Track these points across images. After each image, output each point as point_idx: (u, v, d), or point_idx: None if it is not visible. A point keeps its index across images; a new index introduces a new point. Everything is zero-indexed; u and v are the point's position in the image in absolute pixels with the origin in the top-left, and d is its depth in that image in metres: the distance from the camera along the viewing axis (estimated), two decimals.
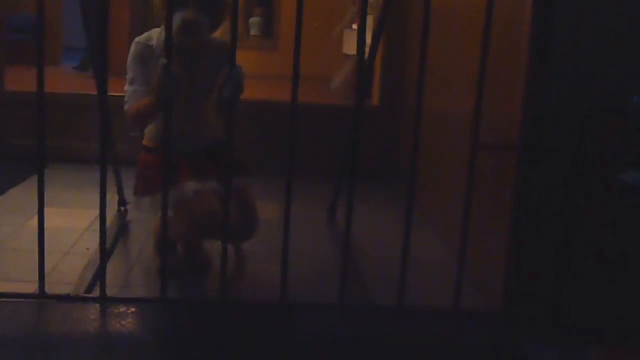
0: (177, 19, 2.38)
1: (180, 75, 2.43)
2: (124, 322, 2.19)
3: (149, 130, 2.62)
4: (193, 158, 2.59)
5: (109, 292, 2.35)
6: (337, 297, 2.35)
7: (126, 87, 2.54)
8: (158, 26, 2.54)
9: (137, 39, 2.54)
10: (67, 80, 6.18)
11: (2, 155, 4.25)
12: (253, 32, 9.43)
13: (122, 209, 3.37)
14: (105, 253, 2.34)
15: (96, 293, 2.35)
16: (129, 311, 2.27)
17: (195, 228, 2.45)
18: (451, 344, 2.24)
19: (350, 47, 6.39)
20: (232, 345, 2.15)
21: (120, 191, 3.36)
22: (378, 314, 2.40)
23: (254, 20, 9.44)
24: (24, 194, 3.64)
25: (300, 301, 2.41)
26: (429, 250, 3.12)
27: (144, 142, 2.66)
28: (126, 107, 2.52)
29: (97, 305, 2.30)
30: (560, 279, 2.29)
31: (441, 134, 3.35)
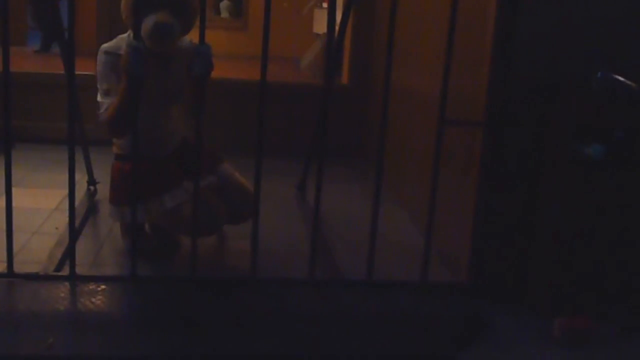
0: (149, 22, 2.37)
1: (150, 79, 2.43)
2: (93, 300, 2.19)
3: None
4: (167, 162, 2.63)
5: (78, 271, 2.35)
6: (307, 272, 2.37)
7: (100, 99, 2.50)
8: (124, 31, 2.52)
9: (105, 48, 2.50)
10: (33, 60, 6.09)
11: None
12: (223, 14, 9.37)
13: (92, 187, 3.35)
14: (74, 231, 2.33)
15: (65, 271, 2.35)
16: (98, 289, 2.27)
17: (202, 228, 2.48)
18: (419, 315, 2.28)
19: (320, 25, 6.39)
20: (202, 321, 2.16)
21: (89, 170, 3.34)
22: (347, 288, 2.44)
23: (224, 3, 9.38)
24: None
25: (270, 277, 2.44)
26: (398, 226, 3.16)
27: (115, 151, 2.67)
28: (101, 117, 2.48)
29: (67, 284, 2.29)
30: (523, 253, 2.34)
31: (409, 111, 3.38)
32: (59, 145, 3.27)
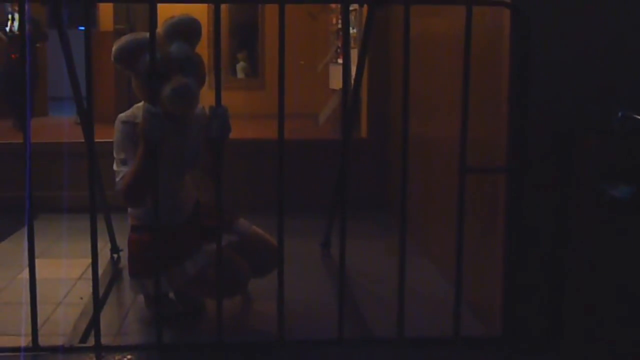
0: (166, 88, 2.37)
1: (168, 145, 2.44)
2: None
3: (134, 209, 2.61)
4: (184, 228, 2.62)
5: (104, 341, 2.31)
6: (336, 332, 2.31)
7: (117, 168, 2.50)
8: (139, 100, 2.54)
9: (122, 118, 2.52)
10: (54, 130, 6.19)
11: None
12: (239, 75, 9.51)
13: (115, 255, 3.33)
14: (98, 301, 2.31)
15: (91, 342, 2.32)
16: (124, 358, 2.23)
17: (228, 288, 2.48)
18: None
19: (336, 81, 6.43)
20: None
21: (111, 238, 3.33)
22: (378, 346, 2.37)
23: (240, 65, 9.53)
24: (13, 247, 3.61)
25: (298, 338, 2.38)
26: (425, 278, 3.09)
27: (131, 222, 2.66)
28: (118, 186, 2.47)
29: (92, 355, 2.26)
30: (556, 301, 2.27)
31: (430, 161, 3.36)
32: (81, 214, 3.29)
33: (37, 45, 6.67)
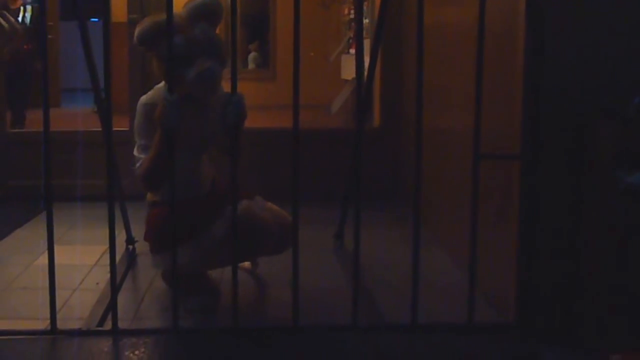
0: (191, 72, 2.38)
1: (188, 126, 2.45)
2: (137, 353, 2.18)
3: None
4: (204, 199, 2.62)
5: (121, 325, 2.34)
6: (350, 318, 2.33)
7: (137, 153, 2.51)
8: (159, 82, 2.55)
9: (143, 100, 2.52)
10: (68, 120, 6.23)
11: (5, 197, 4.27)
12: (250, 66, 9.55)
13: (130, 247, 3.35)
14: (115, 284, 2.33)
15: (108, 326, 2.35)
16: (141, 342, 2.25)
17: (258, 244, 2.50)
18: (468, 358, 2.22)
19: (347, 71, 6.45)
20: None
21: (127, 229, 3.34)
22: (392, 332, 2.39)
23: (251, 55, 9.57)
24: (30, 233, 3.65)
25: (313, 324, 2.40)
26: (438, 266, 3.10)
27: (150, 199, 2.66)
28: (137, 172, 2.49)
29: (110, 338, 2.29)
30: (571, 288, 2.28)
31: (443, 150, 3.36)
32: (95, 203, 3.32)
33: (50, 36, 6.71)
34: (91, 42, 2.91)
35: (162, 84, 2.50)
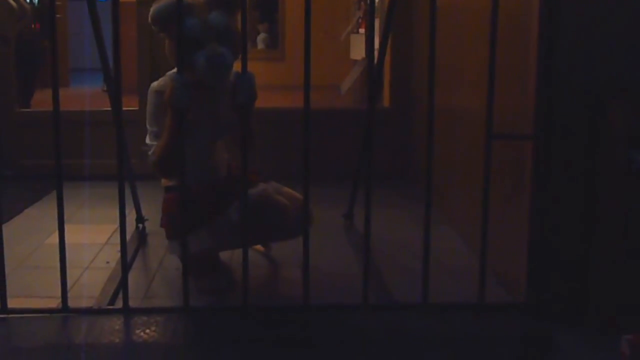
0: (200, 57, 2.34)
1: (201, 112, 2.43)
2: (148, 331, 2.19)
3: None
4: (220, 184, 2.60)
5: (131, 304, 2.35)
6: (360, 297, 2.33)
7: (149, 141, 2.50)
8: (171, 67, 2.52)
9: (155, 87, 2.48)
10: (77, 100, 6.24)
11: (15, 176, 4.28)
12: (260, 46, 9.53)
13: (140, 225, 3.34)
14: (126, 263, 2.34)
15: (119, 305, 2.36)
16: (152, 320, 2.26)
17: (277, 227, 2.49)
18: (479, 337, 2.22)
19: (357, 51, 6.40)
20: (258, 350, 2.14)
21: (137, 208, 3.33)
22: (402, 312, 2.39)
23: (260, 36, 9.55)
24: (40, 212, 3.66)
25: (324, 303, 2.40)
26: (450, 247, 3.10)
27: (165, 183, 2.64)
28: (150, 159, 2.47)
29: (121, 316, 2.30)
30: (584, 268, 2.27)
31: (455, 129, 3.34)
32: (104, 182, 3.32)
33: (59, 16, 6.69)
34: (100, 21, 2.89)
35: (173, 71, 2.48)
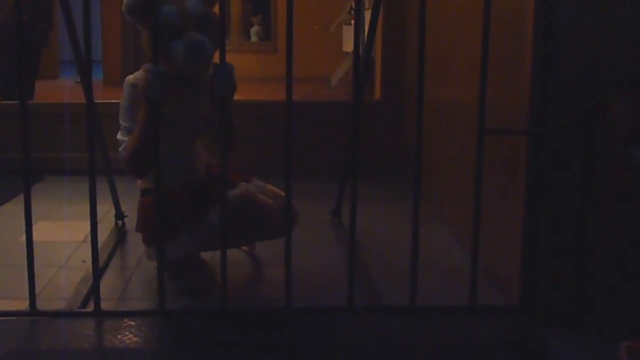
0: (178, 46, 2.22)
1: (177, 107, 2.31)
2: (120, 337, 2.07)
3: None
4: (199, 185, 2.47)
5: (106, 306, 2.24)
6: (345, 299, 2.22)
7: (121, 137, 2.36)
8: (148, 60, 2.40)
9: (130, 80, 2.34)
10: (64, 93, 6.10)
11: None
12: (253, 39, 9.42)
13: (120, 222, 3.22)
14: (98, 264, 2.22)
15: (91, 307, 2.24)
16: (125, 324, 2.15)
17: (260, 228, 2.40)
18: (470, 341, 2.11)
19: (349, 44, 6.29)
20: (236, 357, 2.02)
21: (116, 204, 3.22)
22: (389, 315, 2.28)
23: (254, 28, 9.45)
24: (17, 208, 3.49)
25: (307, 306, 2.29)
26: (440, 246, 2.99)
27: (141, 186, 2.51)
28: (121, 155, 2.33)
29: (92, 320, 2.18)
30: (580, 270, 2.16)
31: (446, 124, 3.23)
32: (86, 177, 3.20)
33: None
34: (71, 10, 2.75)
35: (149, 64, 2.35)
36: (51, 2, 5.40)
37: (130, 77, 2.38)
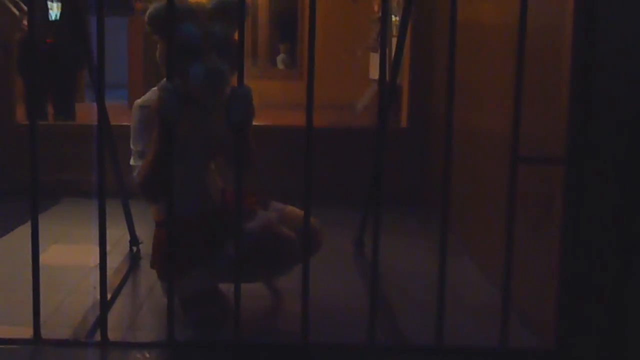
0: (197, 69, 2.15)
1: (191, 130, 2.24)
2: None
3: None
4: (215, 214, 2.37)
5: (114, 335, 2.13)
6: (367, 337, 2.08)
7: (134, 162, 2.28)
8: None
9: (139, 102, 2.29)
10: (87, 115, 6.09)
11: (11, 191, 4.10)
12: (279, 66, 9.44)
13: (134, 248, 3.11)
14: (106, 292, 2.11)
15: (98, 336, 2.13)
16: (132, 356, 2.03)
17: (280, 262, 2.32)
18: None
19: (376, 71, 6.23)
20: None
21: (130, 230, 3.11)
22: (413, 355, 2.14)
23: (280, 56, 9.49)
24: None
25: (325, 342, 2.15)
26: (469, 282, 2.84)
27: (156, 218, 2.42)
28: (135, 180, 2.24)
29: (98, 351, 2.07)
30: (620, 311, 2.00)
31: (477, 152, 3.11)
32: (106, 199, 3.12)
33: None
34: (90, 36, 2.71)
35: (161, 83, 2.25)
36: (88, 27, 5.41)
37: (138, 101, 2.32)
